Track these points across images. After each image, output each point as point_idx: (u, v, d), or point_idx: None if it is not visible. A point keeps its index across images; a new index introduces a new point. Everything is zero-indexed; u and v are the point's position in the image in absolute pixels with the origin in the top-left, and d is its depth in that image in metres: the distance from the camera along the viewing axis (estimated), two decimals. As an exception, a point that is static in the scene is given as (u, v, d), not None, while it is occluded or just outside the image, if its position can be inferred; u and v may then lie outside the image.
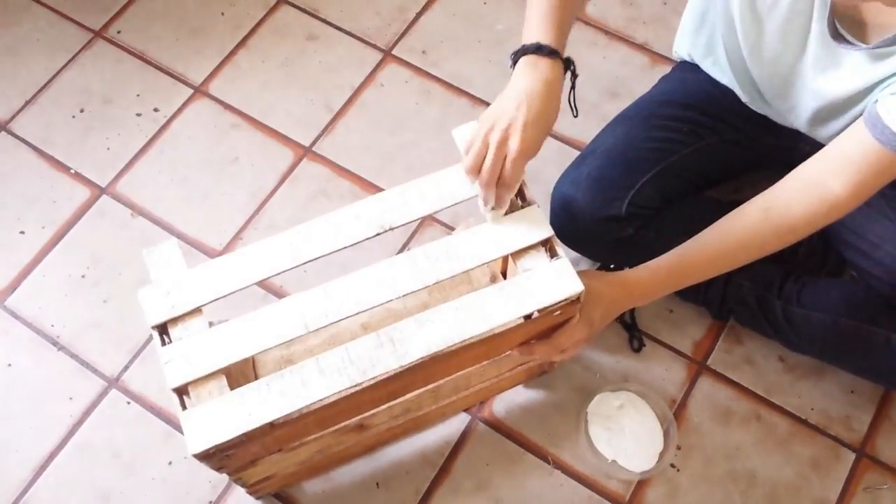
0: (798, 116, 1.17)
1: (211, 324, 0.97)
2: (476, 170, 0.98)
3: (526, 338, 1.07)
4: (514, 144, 0.95)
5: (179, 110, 1.62)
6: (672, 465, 1.29)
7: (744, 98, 1.25)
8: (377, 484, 1.28)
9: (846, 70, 1.02)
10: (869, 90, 1.01)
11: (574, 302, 0.99)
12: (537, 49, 0.98)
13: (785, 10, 1.02)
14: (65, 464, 1.31)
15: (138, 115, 1.61)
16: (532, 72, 0.98)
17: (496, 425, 1.33)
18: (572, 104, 1.11)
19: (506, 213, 1.00)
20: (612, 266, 1.36)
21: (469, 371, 1.12)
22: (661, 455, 1.28)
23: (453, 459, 1.30)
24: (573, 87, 1.07)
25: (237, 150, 1.56)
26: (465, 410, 1.33)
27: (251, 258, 0.98)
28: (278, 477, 1.17)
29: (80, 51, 1.68)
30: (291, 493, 1.28)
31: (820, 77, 1.06)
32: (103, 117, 1.61)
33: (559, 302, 0.96)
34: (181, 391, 0.93)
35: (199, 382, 0.93)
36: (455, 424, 1.32)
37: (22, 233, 1.50)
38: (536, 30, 1.00)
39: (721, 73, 1.27)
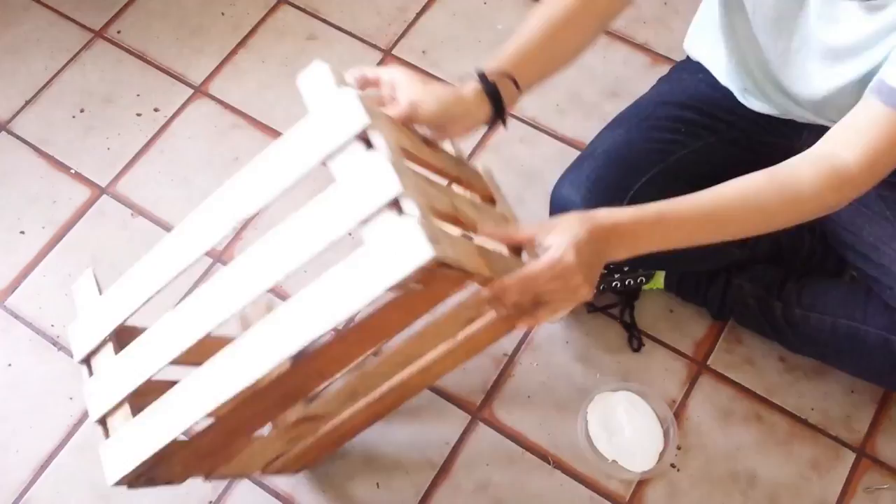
0: (801, 93, 1.15)
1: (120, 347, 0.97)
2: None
3: (409, 312, 0.92)
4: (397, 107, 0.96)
5: (179, 110, 1.62)
6: (672, 465, 1.29)
7: (743, 95, 1.25)
8: (377, 484, 1.28)
9: (843, 24, 1.01)
10: (866, 47, 1.00)
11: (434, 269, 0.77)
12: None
13: None
14: (65, 464, 1.31)
15: (138, 115, 1.61)
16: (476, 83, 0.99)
17: (496, 425, 1.33)
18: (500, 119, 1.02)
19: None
20: (611, 266, 1.36)
21: (395, 350, 1.03)
22: (661, 455, 1.28)
23: (453, 459, 1.30)
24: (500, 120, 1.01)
25: (237, 150, 1.56)
26: (467, 411, 1.33)
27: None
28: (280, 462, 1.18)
29: (80, 51, 1.68)
30: (292, 494, 1.28)
31: (822, 31, 1.04)
32: (103, 117, 1.61)
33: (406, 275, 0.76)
34: (102, 422, 0.94)
35: (110, 413, 0.94)
36: (455, 424, 1.32)
37: (22, 233, 1.50)
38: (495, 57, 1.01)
39: (726, 62, 1.26)
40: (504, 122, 1.01)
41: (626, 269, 1.36)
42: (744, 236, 0.98)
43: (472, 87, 0.98)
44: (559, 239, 0.86)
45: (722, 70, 1.27)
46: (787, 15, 1.07)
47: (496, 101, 0.98)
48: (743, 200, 0.93)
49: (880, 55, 0.98)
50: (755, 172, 0.94)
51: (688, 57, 1.34)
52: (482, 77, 0.98)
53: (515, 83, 0.99)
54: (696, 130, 1.27)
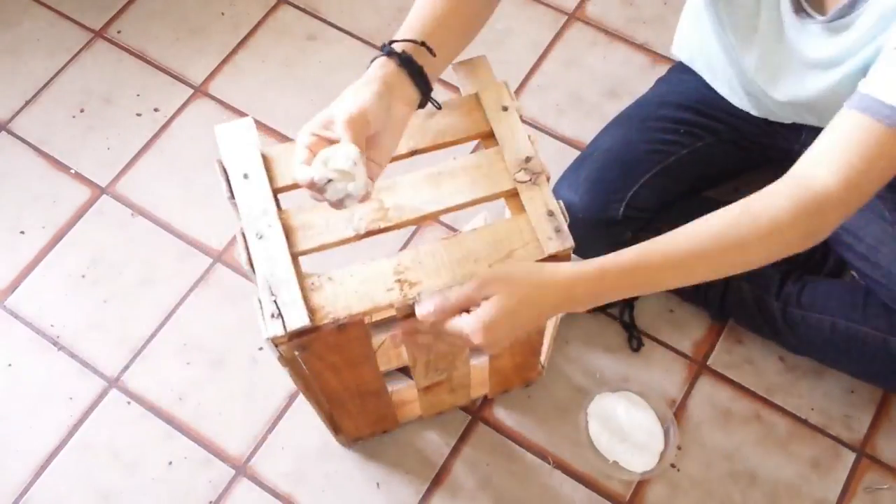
0: (779, 97, 1.14)
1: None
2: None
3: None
4: (339, 116, 0.81)
5: (179, 110, 1.62)
6: (672, 465, 1.29)
7: (737, 100, 1.25)
8: (377, 484, 1.28)
9: (813, 40, 1.01)
10: (837, 62, 0.99)
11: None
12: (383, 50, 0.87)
13: None
14: (65, 464, 1.31)
15: (138, 115, 1.61)
16: (375, 72, 0.85)
17: (496, 425, 1.33)
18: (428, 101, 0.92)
19: None
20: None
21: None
22: (661, 455, 1.28)
23: (453, 459, 1.30)
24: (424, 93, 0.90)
25: (237, 150, 1.56)
26: (467, 411, 1.33)
27: None
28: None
29: (80, 51, 1.68)
30: (292, 494, 1.28)
31: (796, 42, 1.04)
32: (103, 117, 1.61)
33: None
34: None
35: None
36: (455, 425, 1.32)
37: (22, 233, 1.50)
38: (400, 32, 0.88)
39: (712, 73, 1.26)
40: (431, 101, 0.90)
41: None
42: (721, 276, 0.88)
43: (381, 72, 0.85)
44: (478, 318, 0.82)
45: (708, 71, 1.27)
46: (766, 26, 1.07)
47: (417, 75, 0.86)
48: (718, 239, 0.85)
49: (853, 67, 0.98)
50: (728, 207, 0.86)
51: None
52: (389, 52, 0.86)
53: (430, 50, 0.87)
54: (695, 131, 1.27)
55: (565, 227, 0.93)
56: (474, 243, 0.93)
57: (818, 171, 0.84)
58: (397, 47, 0.86)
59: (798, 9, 1.00)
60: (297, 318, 0.87)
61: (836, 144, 0.85)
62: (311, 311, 0.88)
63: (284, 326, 0.87)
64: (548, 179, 0.96)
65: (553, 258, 0.92)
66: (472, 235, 0.94)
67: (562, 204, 0.94)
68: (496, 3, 0.96)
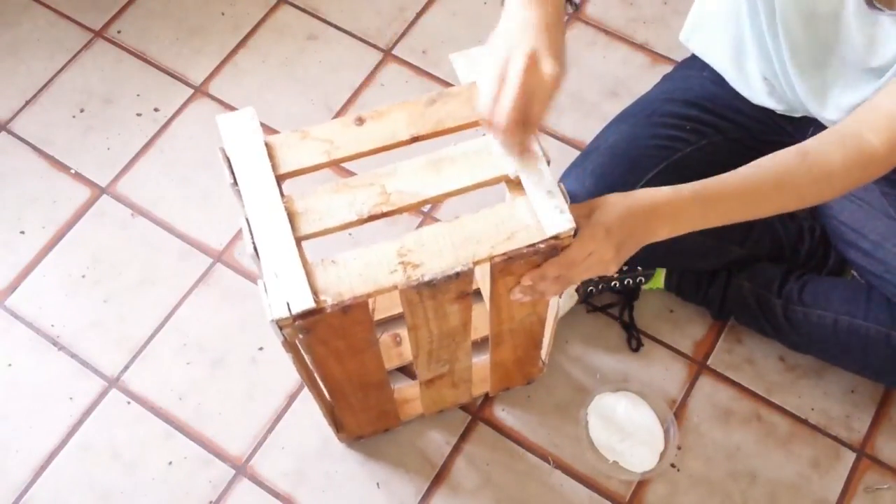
0: (828, 91, 1.14)
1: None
2: (495, 109, 0.87)
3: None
4: (548, 68, 0.84)
5: (179, 110, 1.62)
6: (672, 465, 1.29)
7: (750, 91, 1.23)
8: (377, 484, 1.28)
9: (883, 43, 1.00)
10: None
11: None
12: None
13: None
14: (65, 464, 1.31)
15: (138, 115, 1.61)
16: (531, 3, 0.88)
17: (496, 425, 1.33)
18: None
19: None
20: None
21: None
22: (661, 455, 1.28)
23: (453, 459, 1.30)
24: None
25: (237, 150, 1.56)
26: (467, 411, 1.33)
27: None
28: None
29: (80, 51, 1.68)
30: (292, 494, 1.28)
31: (862, 52, 1.03)
32: (103, 117, 1.61)
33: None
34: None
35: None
36: (455, 424, 1.32)
37: (22, 233, 1.50)
38: None
39: (733, 61, 1.24)
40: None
41: (625, 268, 1.36)
42: (777, 213, 1.00)
43: (539, 12, 0.87)
44: (594, 222, 0.91)
45: (726, 62, 1.25)
46: (823, 31, 1.05)
47: None
48: (777, 180, 0.95)
49: None
50: (786, 150, 0.96)
51: (692, 55, 1.33)
52: None
53: None
54: (701, 128, 1.27)
55: (566, 207, 0.93)
56: (476, 225, 0.93)
57: (869, 135, 0.94)
58: None
59: (870, 2, 0.98)
60: (302, 300, 0.88)
61: (886, 115, 0.93)
62: (316, 294, 0.89)
63: (289, 308, 0.88)
64: (548, 163, 0.96)
65: (555, 239, 0.92)
66: (475, 218, 0.94)
67: (562, 185, 0.95)
68: None
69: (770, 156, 0.97)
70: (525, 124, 0.87)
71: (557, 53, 0.86)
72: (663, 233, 0.95)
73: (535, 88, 0.85)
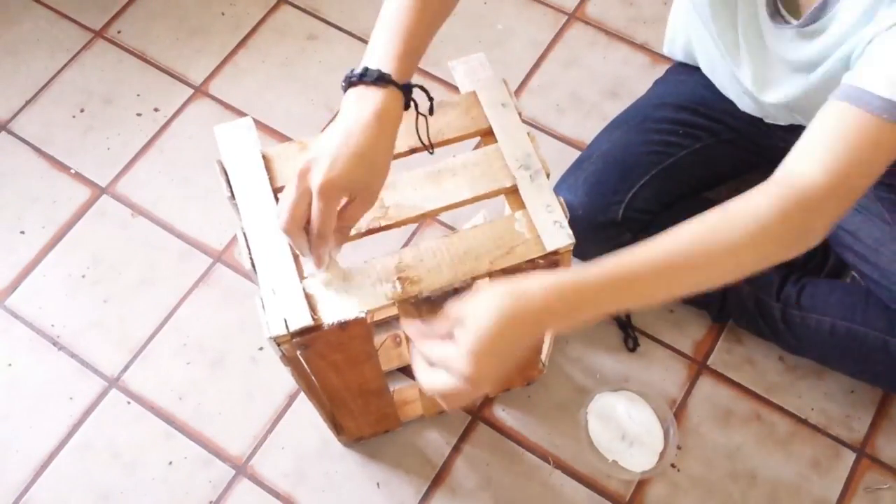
0: (775, 98, 1.14)
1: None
2: (278, 212, 0.83)
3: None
4: (315, 179, 0.80)
5: (179, 110, 1.62)
6: (672, 465, 1.29)
7: (736, 98, 1.25)
8: (377, 484, 1.28)
9: (789, 43, 1.01)
10: (816, 63, 0.98)
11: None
12: (362, 77, 0.84)
13: None
14: (65, 464, 1.31)
15: (138, 115, 1.61)
16: (360, 103, 0.84)
17: (496, 425, 1.33)
18: (423, 139, 0.96)
19: None
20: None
21: None
22: (661, 455, 1.28)
23: (453, 460, 1.30)
24: (424, 117, 0.94)
25: (237, 150, 1.56)
26: (467, 411, 1.33)
27: None
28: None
29: (80, 51, 1.68)
30: (292, 494, 1.28)
31: (775, 45, 1.04)
32: (103, 117, 1.61)
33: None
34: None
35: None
36: (455, 424, 1.32)
37: (22, 233, 1.50)
38: (375, 52, 0.86)
39: (712, 69, 1.26)
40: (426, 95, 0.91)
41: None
42: (713, 286, 0.82)
43: (377, 96, 0.84)
44: (458, 345, 0.76)
45: (708, 66, 1.27)
46: (747, 30, 1.07)
47: (408, 94, 0.87)
48: (700, 241, 0.80)
49: (833, 65, 0.96)
50: (708, 210, 0.82)
51: None
52: (381, 78, 0.84)
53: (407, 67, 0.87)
54: (694, 132, 1.27)
55: (566, 222, 0.92)
56: (475, 240, 0.93)
57: (802, 166, 0.81)
58: (382, 68, 0.83)
59: (774, 13, 1.00)
60: (300, 318, 0.87)
61: (819, 137, 0.82)
62: (313, 310, 0.88)
63: (287, 325, 0.87)
64: (548, 176, 0.96)
65: (554, 254, 0.92)
66: (473, 232, 0.94)
67: (562, 200, 0.94)
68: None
69: (690, 219, 0.81)
70: (318, 236, 0.82)
71: (352, 156, 0.81)
72: (559, 329, 0.81)
73: (328, 201, 0.80)
